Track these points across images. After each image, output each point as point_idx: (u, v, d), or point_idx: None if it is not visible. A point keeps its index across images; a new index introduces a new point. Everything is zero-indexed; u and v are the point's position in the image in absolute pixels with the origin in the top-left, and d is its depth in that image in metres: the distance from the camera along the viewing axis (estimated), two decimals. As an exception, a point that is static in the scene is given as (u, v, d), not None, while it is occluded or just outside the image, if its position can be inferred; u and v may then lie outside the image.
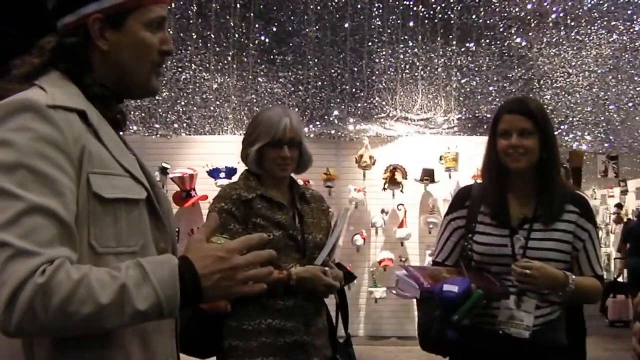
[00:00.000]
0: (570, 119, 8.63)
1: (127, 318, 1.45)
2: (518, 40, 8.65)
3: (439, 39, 8.67)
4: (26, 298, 1.37)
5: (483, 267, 3.00)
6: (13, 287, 1.37)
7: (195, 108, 8.79)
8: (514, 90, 8.60)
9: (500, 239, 2.97)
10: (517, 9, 8.59)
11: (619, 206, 16.38)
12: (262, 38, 8.75)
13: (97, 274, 1.44)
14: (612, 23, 8.56)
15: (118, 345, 1.59)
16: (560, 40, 8.54)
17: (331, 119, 8.72)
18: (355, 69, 8.73)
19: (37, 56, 1.71)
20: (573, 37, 8.53)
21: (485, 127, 8.65)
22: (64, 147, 1.51)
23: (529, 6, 8.57)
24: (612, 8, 8.54)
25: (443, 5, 8.65)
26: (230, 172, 8.40)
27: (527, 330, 2.88)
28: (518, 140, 2.93)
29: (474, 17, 8.65)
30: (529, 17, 8.60)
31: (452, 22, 8.67)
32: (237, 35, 8.65)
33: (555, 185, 2.97)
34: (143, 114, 8.71)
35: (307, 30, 8.68)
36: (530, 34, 8.60)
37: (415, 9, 8.68)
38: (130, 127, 8.48)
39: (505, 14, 8.63)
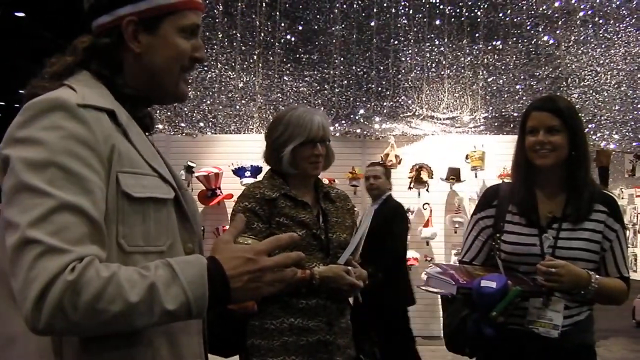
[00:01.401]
0: (598, 117, 8.56)
1: (156, 317, 1.45)
2: (545, 38, 8.60)
3: (465, 37, 8.65)
4: (56, 295, 1.37)
5: (511, 267, 2.98)
6: (43, 284, 1.37)
7: (220, 107, 8.82)
8: (541, 88, 8.54)
9: (529, 238, 2.96)
10: (544, 7, 8.55)
11: (647, 206, 16.18)
12: (288, 37, 8.77)
13: (127, 272, 1.44)
14: (642, 21, 8.49)
15: (146, 345, 1.58)
16: (588, 38, 8.48)
17: (357, 117, 8.71)
18: (381, 68, 8.72)
19: (70, 55, 1.72)
20: (601, 35, 8.47)
21: (512, 126, 8.61)
22: (94, 145, 1.52)
23: (556, 4, 8.52)
24: (642, 6, 8.47)
25: (470, 3, 8.63)
26: (256, 170, 8.41)
27: (556, 330, 2.86)
28: (545, 137, 2.92)
29: (500, 15, 8.62)
30: (556, 15, 8.55)
31: (478, 20, 8.64)
32: (262, 34, 8.68)
33: (584, 184, 2.95)
34: (169, 113, 8.75)
35: (333, 29, 8.69)
36: (557, 32, 8.54)
37: (441, 7, 8.66)
38: (156, 126, 8.52)
39: (533, 12, 8.59)
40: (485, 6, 8.64)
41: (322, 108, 8.32)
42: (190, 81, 8.13)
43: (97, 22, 1.73)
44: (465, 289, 2.80)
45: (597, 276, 2.86)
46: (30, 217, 1.41)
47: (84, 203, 1.46)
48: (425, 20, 8.66)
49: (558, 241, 2.91)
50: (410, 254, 8.67)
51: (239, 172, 8.55)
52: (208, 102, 8.76)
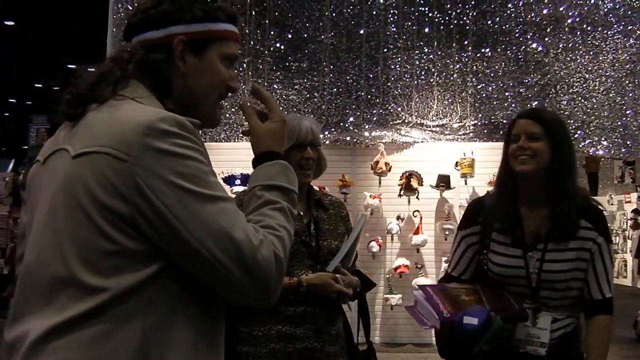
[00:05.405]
0: (587, 124, 8.58)
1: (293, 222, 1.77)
2: (534, 45, 8.64)
3: (454, 44, 8.68)
4: (282, 269, 1.65)
5: (501, 285, 2.98)
6: (274, 270, 1.61)
7: (210, 115, 8.80)
8: (530, 95, 8.57)
9: (514, 260, 2.94)
10: (532, 14, 8.59)
11: (637, 212, 16.23)
12: (278, 45, 8.78)
13: (273, 220, 1.70)
14: (629, 27, 8.54)
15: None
16: (577, 45, 8.52)
17: (347, 125, 8.72)
18: (371, 76, 8.74)
19: (116, 66, 1.73)
20: (589, 42, 8.51)
21: (501, 133, 8.61)
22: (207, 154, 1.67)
23: (544, 11, 8.56)
24: (629, 12, 8.52)
25: (459, 11, 8.66)
26: (246, 179, 8.38)
27: (544, 347, 2.86)
28: (525, 143, 2.90)
29: (489, 22, 8.66)
30: (545, 22, 8.59)
31: (467, 27, 8.67)
32: (252, 43, 8.69)
33: (569, 196, 2.91)
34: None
35: (323, 37, 8.70)
36: (546, 39, 8.58)
37: (430, 14, 8.69)
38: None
39: (521, 19, 8.63)
40: (474, 14, 8.67)
41: (312, 116, 8.31)
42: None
43: (143, 36, 1.76)
44: (449, 323, 2.80)
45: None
46: (228, 222, 1.58)
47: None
48: (414, 28, 8.69)
49: (544, 264, 2.90)
50: (401, 261, 8.68)
51: (229, 180, 8.53)
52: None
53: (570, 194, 2.92)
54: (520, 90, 8.64)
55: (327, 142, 8.66)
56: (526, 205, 2.99)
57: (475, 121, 8.71)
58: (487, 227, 3.04)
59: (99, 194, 1.52)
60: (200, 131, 1.72)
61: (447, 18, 8.71)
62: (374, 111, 8.68)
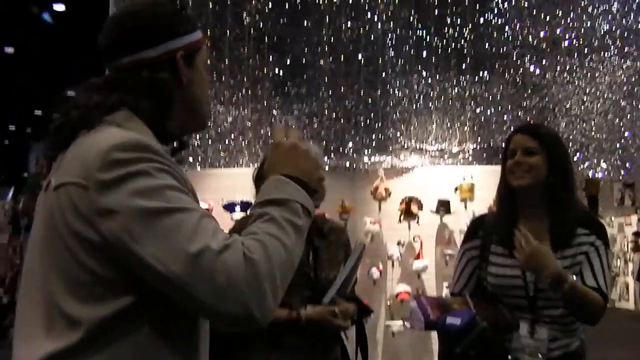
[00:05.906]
0: (586, 146, 8.59)
1: (300, 241, 1.71)
2: (532, 68, 8.66)
3: (452, 68, 8.69)
4: (265, 275, 1.54)
5: (498, 298, 2.98)
6: (244, 276, 1.51)
7: (209, 141, 8.81)
8: (528, 118, 8.57)
9: (512, 270, 2.95)
10: (530, 37, 8.61)
11: (637, 234, 16.20)
12: (276, 70, 8.80)
13: (260, 228, 1.63)
14: (626, 49, 8.57)
15: None
16: (574, 67, 8.55)
17: (346, 151, 8.72)
18: (370, 100, 8.75)
19: (114, 90, 1.71)
20: (587, 64, 8.54)
21: (500, 156, 8.61)
22: (181, 176, 1.70)
23: (542, 34, 8.59)
24: (625, 34, 8.56)
25: (456, 35, 8.69)
26: (246, 205, 8.35)
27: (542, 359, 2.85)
28: (521, 158, 2.95)
29: (486, 45, 8.68)
30: (542, 45, 8.62)
31: (465, 51, 8.69)
32: (251, 68, 8.70)
33: (568, 207, 2.93)
34: (158, 148, 8.72)
35: (321, 62, 8.72)
36: (544, 61, 8.61)
37: (428, 39, 8.72)
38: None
39: (519, 42, 8.66)
40: (472, 37, 8.71)
41: (311, 141, 8.32)
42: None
43: (139, 55, 1.73)
44: (433, 324, 2.80)
45: (574, 278, 2.78)
46: (183, 235, 1.50)
47: (197, 206, 1.64)
48: (412, 52, 8.71)
49: None
50: (402, 287, 8.63)
51: (229, 207, 8.51)
52: (197, 136, 8.75)
53: (569, 205, 2.93)
54: (519, 113, 8.65)
55: (327, 167, 8.65)
56: (525, 218, 3.01)
57: (474, 145, 8.71)
58: (487, 240, 3.05)
59: (74, 223, 1.53)
60: (199, 157, 1.74)
61: (444, 42, 8.74)
62: (373, 136, 8.69)
